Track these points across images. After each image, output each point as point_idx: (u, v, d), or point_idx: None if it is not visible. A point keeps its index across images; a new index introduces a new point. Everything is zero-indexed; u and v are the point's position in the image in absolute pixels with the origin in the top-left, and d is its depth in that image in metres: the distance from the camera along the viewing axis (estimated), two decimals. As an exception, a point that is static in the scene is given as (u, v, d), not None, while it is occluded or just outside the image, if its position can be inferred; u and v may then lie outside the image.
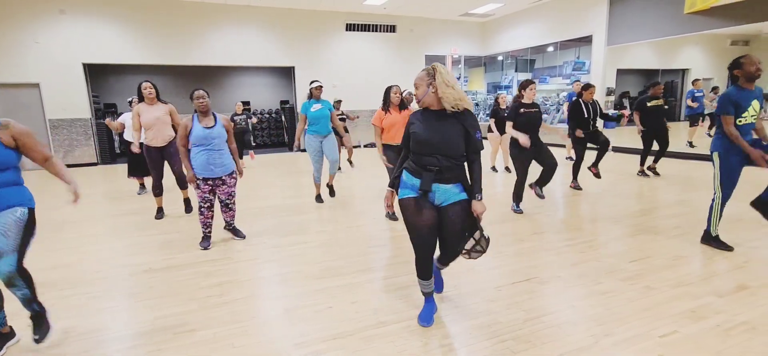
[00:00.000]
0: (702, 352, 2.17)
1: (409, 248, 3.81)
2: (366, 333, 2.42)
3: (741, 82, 3.37)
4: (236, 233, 4.16)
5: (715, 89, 10.24)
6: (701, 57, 11.19)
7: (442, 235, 2.40)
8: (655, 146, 6.61)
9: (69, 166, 9.81)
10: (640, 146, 6.80)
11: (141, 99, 4.83)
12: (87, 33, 9.64)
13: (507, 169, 7.70)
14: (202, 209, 3.89)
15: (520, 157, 4.72)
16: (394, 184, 2.46)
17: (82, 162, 10.05)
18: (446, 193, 2.31)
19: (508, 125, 4.76)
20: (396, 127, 4.43)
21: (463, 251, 2.43)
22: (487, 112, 11.85)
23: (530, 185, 4.93)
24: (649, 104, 6.40)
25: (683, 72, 11.37)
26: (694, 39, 9.70)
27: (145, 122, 4.73)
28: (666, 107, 6.52)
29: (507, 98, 7.54)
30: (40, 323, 2.33)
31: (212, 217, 3.96)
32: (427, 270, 2.41)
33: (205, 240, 3.94)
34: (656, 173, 6.81)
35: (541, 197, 4.85)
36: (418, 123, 2.33)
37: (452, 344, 2.31)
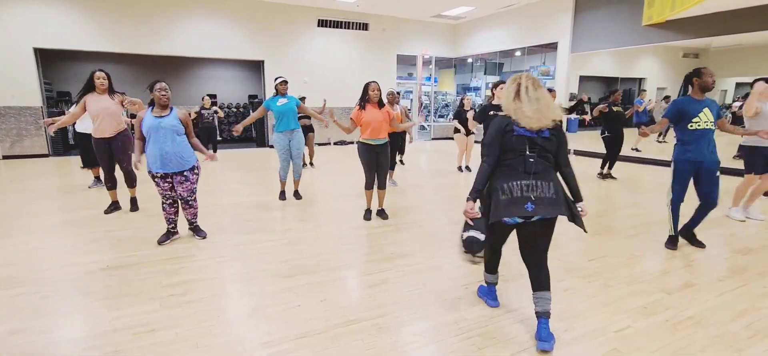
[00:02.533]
0: (653, 345, 2.30)
1: (378, 244, 3.83)
2: (334, 331, 2.41)
3: (694, 91, 3.59)
4: (197, 231, 4.00)
5: (666, 99, 10.89)
6: (657, 67, 11.83)
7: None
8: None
9: (18, 157, 9.21)
10: (601, 150, 7.15)
11: (91, 88, 4.56)
12: (39, 16, 9.05)
13: (467, 168, 7.84)
14: (164, 206, 3.78)
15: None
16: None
17: (32, 153, 9.44)
18: None
19: (472, 121, 4.83)
20: (374, 124, 4.36)
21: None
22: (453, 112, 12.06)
23: None
24: (614, 109, 6.77)
25: (640, 81, 11.98)
26: (650, 50, 10.25)
27: (92, 112, 4.52)
28: (626, 115, 6.90)
29: (471, 100, 7.72)
30: None
31: (176, 213, 3.84)
32: None
33: (166, 235, 3.82)
34: (612, 177, 7.16)
35: None
36: None
37: (419, 341, 2.34)
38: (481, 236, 2.79)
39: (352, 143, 12.54)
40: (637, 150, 9.56)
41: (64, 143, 10.13)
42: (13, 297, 2.77)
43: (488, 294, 2.74)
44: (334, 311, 2.64)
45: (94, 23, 9.54)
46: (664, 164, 8.52)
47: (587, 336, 2.39)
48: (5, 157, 9.21)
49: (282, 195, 5.55)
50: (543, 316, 2.26)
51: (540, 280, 2.29)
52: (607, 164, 7.12)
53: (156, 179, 3.68)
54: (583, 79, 11.70)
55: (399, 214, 4.81)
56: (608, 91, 12.76)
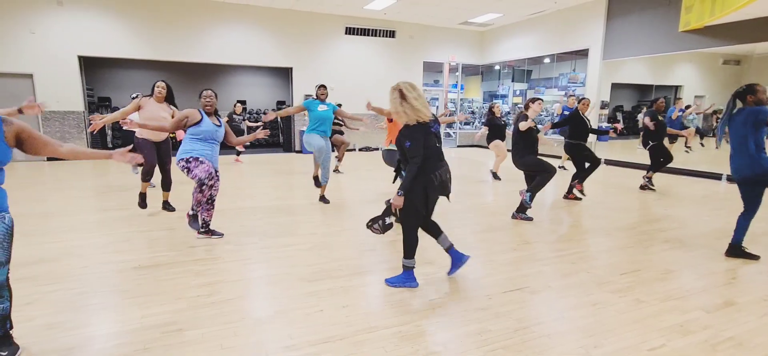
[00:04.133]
0: (689, 367, 2.19)
1: (401, 252, 3.81)
2: (357, 338, 2.40)
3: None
4: (213, 233, 4.11)
5: (716, 113, 10.44)
6: (694, 74, 11.35)
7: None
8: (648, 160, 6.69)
9: (59, 160, 9.71)
10: (633, 160, 6.90)
11: (152, 94, 4.83)
12: (84, 25, 9.56)
13: (495, 176, 7.73)
14: (204, 187, 3.80)
15: (520, 163, 4.88)
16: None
17: (73, 155, 9.93)
18: None
19: (523, 123, 4.82)
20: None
21: (368, 223, 3.13)
22: (483, 120, 11.91)
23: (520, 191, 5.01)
24: (660, 118, 6.46)
25: (676, 88, 11.52)
26: (687, 56, 9.84)
27: (143, 116, 4.74)
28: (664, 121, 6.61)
29: (502, 107, 7.62)
30: (8, 343, 2.15)
31: (208, 195, 3.94)
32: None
33: (196, 221, 4.02)
34: (651, 188, 6.85)
35: (528, 205, 4.89)
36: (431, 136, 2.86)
37: (442, 352, 2.30)
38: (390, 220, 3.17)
39: (376, 149, 12.58)
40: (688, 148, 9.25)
41: (102, 146, 10.60)
42: (51, 292, 2.91)
43: (409, 278, 3.05)
44: (356, 317, 2.63)
45: (133, 32, 10.00)
46: (702, 175, 8.15)
47: (617, 353, 2.29)
48: (49, 159, 9.72)
49: (316, 181, 5.82)
50: (453, 247, 3.17)
51: (436, 226, 3.18)
52: (647, 171, 6.86)
53: (204, 164, 3.81)
54: (616, 86, 11.35)
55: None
56: (642, 99, 12.35)
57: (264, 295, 2.96)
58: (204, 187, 3.79)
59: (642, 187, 6.86)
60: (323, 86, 5.47)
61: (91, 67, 10.80)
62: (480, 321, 2.61)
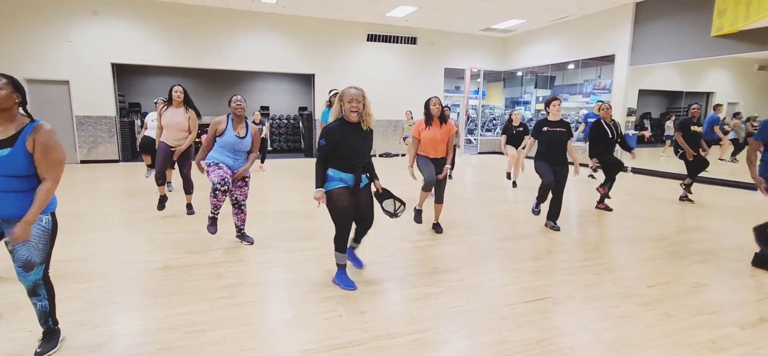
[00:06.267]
0: (723, 385, 2.08)
1: (421, 258, 3.79)
2: (374, 344, 2.39)
3: None
4: (244, 238, 4.16)
5: (737, 115, 9.99)
6: (727, 80, 10.94)
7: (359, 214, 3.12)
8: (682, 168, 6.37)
9: (93, 162, 10.10)
10: (661, 168, 6.64)
11: (170, 101, 4.98)
12: (117, 34, 9.96)
13: (514, 184, 7.62)
14: (217, 192, 3.82)
15: (541, 171, 4.70)
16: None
17: (104, 158, 10.31)
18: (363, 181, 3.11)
19: (529, 139, 4.78)
20: (433, 142, 4.35)
21: (390, 214, 3.28)
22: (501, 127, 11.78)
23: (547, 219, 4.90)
24: (692, 129, 6.05)
25: (708, 95, 11.11)
26: (720, 62, 9.50)
27: (164, 122, 4.97)
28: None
29: (520, 115, 7.49)
30: (49, 339, 2.24)
31: (224, 201, 3.94)
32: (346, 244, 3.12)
33: (213, 225, 4.01)
34: (689, 200, 6.49)
35: (556, 228, 4.77)
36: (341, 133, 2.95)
37: (461, 360, 2.26)
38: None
39: (396, 155, 12.59)
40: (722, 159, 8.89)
41: (132, 150, 10.97)
42: (82, 290, 3.01)
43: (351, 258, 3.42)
44: (374, 323, 2.62)
45: (163, 40, 10.35)
46: (738, 185, 7.81)
47: (645, 368, 2.20)
48: (82, 161, 10.12)
49: None
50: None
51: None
52: (685, 178, 6.49)
53: (221, 170, 3.85)
54: (643, 93, 11.04)
55: (444, 228, 4.74)
56: (671, 106, 11.96)
57: (283, 298, 2.99)
58: (217, 191, 3.87)
59: (681, 198, 6.49)
60: (336, 93, 5.40)
61: (123, 73, 11.21)
62: (500, 330, 2.56)
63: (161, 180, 5.17)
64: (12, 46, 9.22)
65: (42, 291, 2.15)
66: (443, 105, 4.48)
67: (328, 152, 2.93)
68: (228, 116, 3.93)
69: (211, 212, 3.99)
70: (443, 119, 4.37)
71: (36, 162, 2.00)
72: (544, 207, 4.89)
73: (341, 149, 2.93)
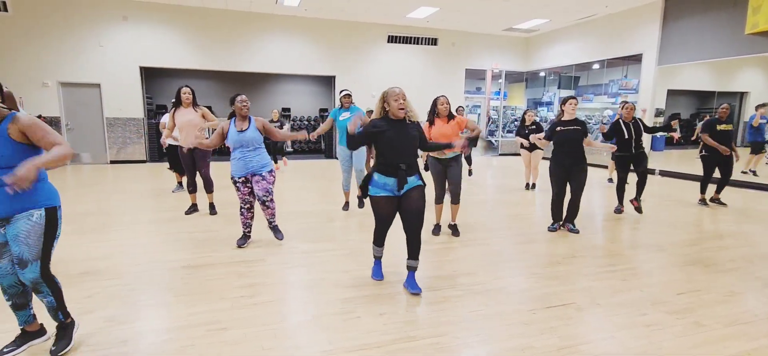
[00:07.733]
0: (758, 400, 1.98)
1: (439, 261, 3.76)
2: (393, 346, 2.38)
3: None
4: (276, 231, 4.23)
5: None
6: (762, 80, 10.45)
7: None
8: (716, 173, 6.12)
9: (122, 162, 10.43)
10: (691, 171, 6.39)
11: (179, 103, 5.10)
12: (145, 38, 10.27)
13: (533, 186, 7.47)
14: (243, 211, 4.05)
15: (556, 173, 4.61)
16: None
17: (133, 159, 10.64)
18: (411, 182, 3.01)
19: (539, 138, 4.69)
20: (445, 137, 4.27)
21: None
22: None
23: (562, 224, 4.78)
24: (719, 127, 5.89)
25: (742, 95, 10.64)
26: (754, 61, 9.07)
27: (178, 124, 5.11)
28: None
29: (534, 115, 7.36)
30: (62, 335, 2.22)
31: (252, 218, 4.10)
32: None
33: (243, 239, 4.08)
34: (721, 203, 6.27)
35: (575, 231, 4.65)
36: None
37: (481, 365, 2.23)
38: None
39: (417, 157, 12.53)
40: (754, 173, 8.43)
41: (159, 152, 11.28)
42: (109, 287, 3.10)
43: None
44: (393, 325, 2.61)
45: (189, 44, 10.62)
46: (772, 189, 7.45)
47: (674, 379, 2.12)
48: (112, 161, 10.47)
49: (346, 206, 5.67)
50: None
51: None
52: (715, 188, 6.31)
53: (237, 184, 3.98)
54: (672, 93, 10.66)
55: (463, 231, 4.69)
56: (702, 106, 11.51)
57: (302, 299, 3.01)
58: (242, 209, 4.04)
59: (712, 199, 6.31)
60: (347, 96, 5.30)
61: (150, 76, 11.54)
62: (523, 336, 2.51)
63: (192, 188, 5.32)
64: (48, 51, 9.63)
65: (44, 289, 2.11)
66: (456, 106, 4.45)
67: (365, 139, 2.99)
68: (231, 118, 4.01)
69: (243, 229, 4.13)
70: (451, 117, 4.36)
71: (36, 142, 1.96)
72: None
73: (383, 143, 2.92)
